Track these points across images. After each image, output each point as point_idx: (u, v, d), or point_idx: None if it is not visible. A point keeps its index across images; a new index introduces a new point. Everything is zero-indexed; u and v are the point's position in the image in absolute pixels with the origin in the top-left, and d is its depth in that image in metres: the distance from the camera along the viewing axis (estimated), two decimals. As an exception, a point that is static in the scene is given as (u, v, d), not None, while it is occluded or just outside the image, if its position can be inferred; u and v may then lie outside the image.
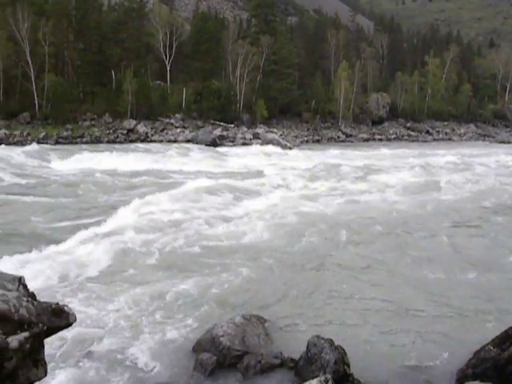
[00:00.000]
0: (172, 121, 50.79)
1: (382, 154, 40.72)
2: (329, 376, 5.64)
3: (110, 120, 49.31)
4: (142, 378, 6.39)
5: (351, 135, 61.19)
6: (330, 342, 6.60)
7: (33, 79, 48.10)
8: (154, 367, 6.71)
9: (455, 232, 14.09)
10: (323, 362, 6.33)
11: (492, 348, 6.58)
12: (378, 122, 68.79)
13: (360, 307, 8.92)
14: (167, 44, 57.77)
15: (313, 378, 5.57)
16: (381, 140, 61.40)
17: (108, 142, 44.28)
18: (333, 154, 38.97)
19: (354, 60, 72.86)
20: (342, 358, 6.40)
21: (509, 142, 65.06)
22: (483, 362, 6.49)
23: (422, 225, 14.78)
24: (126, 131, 46.75)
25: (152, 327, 7.76)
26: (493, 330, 7.26)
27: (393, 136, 65.03)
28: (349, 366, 6.42)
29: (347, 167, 27.37)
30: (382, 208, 17.00)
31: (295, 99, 61.28)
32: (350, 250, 12.35)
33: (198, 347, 7.13)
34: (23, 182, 20.94)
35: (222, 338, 7.02)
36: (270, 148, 42.30)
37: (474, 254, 12.14)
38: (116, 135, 46.29)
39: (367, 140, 60.25)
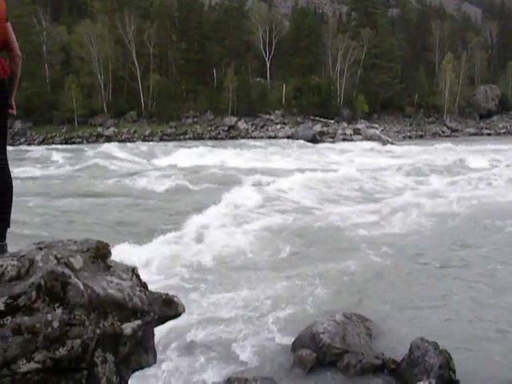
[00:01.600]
0: (272, 117, 51.08)
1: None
2: (433, 381, 5.51)
3: (212, 117, 50.49)
4: (241, 372, 6.29)
5: (457, 130, 58.42)
6: (435, 345, 6.26)
7: (139, 79, 50.39)
8: (253, 361, 6.64)
9: None
10: (427, 366, 6.05)
11: None
12: (486, 115, 65.13)
13: (472, 312, 8.29)
14: (267, 41, 58.23)
15: (416, 382, 5.46)
16: (489, 135, 57.99)
17: (210, 138, 45.39)
18: (443, 147, 36.98)
19: (459, 51, 69.61)
20: (447, 363, 6.08)
21: None
22: None
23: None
24: (227, 128, 47.65)
25: (252, 322, 7.67)
26: None
27: (503, 130, 61.21)
28: (454, 371, 6.06)
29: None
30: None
31: (397, 93, 59.52)
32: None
33: (298, 343, 6.98)
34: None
35: (322, 335, 6.83)
36: (371, 144, 41.21)
37: None
38: (217, 132, 47.33)
39: (474, 134, 57.12)
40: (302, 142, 41.68)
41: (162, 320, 3.42)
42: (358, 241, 11.95)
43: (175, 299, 3.50)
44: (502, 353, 6.94)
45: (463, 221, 13.84)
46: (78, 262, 2.97)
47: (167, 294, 3.50)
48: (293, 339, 7.07)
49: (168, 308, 3.43)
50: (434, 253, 11.25)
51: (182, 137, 45.97)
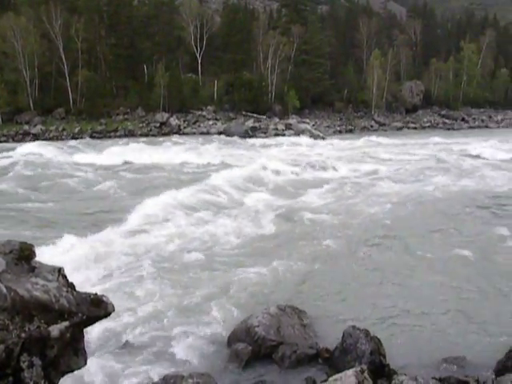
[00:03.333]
0: (204, 113, 51.00)
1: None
2: (364, 366, 5.63)
3: (143, 113, 49.83)
4: (177, 369, 6.34)
5: (384, 124, 60.39)
6: (366, 332, 6.55)
7: (67, 75, 48.98)
8: (189, 358, 6.71)
9: None
10: (359, 353, 6.31)
11: None
12: (411, 110, 67.84)
13: (398, 298, 8.77)
14: (198, 37, 58.00)
15: (348, 369, 5.55)
16: (415, 128, 60.45)
17: (141, 135, 44.76)
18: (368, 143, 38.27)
19: (386, 48, 71.87)
20: (377, 349, 6.35)
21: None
22: None
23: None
24: (158, 124, 47.16)
25: (187, 318, 7.75)
26: None
27: (427, 124, 63.89)
28: (385, 356, 6.37)
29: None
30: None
31: (327, 89, 60.83)
32: (396, 241, 12.03)
33: (233, 338, 7.14)
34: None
35: (257, 329, 7.00)
36: (303, 139, 41.94)
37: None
38: (149, 128, 46.74)
39: (401, 128, 59.36)
40: (234, 138, 41.93)
41: (92, 320, 3.37)
42: (291, 234, 12.38)
43: (104, 299, 3.46)
44: (429, 336, 7.46)
45: (385, 213, 14.49)
46: (0, 264, 2.92)
47: (96, 294, 3.46)
48: (228, 334, 7.22)
49: (97, 308, 3.37)
50: (366, 242, 11.79)
51: (112, 134, 45.04)
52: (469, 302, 8.64)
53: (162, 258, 10.33)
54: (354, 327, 6.63)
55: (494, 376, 6.12)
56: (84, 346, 3.39)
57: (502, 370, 6.28)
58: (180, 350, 6.84)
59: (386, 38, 78.00)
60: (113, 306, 3.51)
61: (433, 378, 5.85)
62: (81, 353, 3.31)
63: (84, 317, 3.22)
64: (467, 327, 7.76)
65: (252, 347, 6.79)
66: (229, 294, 8.65)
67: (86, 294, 3.36)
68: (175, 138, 40.86)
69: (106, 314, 3.48)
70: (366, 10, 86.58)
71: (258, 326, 7.02)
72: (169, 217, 13.15)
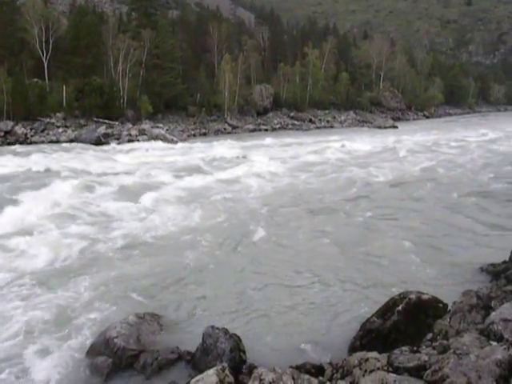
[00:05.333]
0: (53, 120, 48.97)
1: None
2: (225, 364, 5.86)
3: (-15, 122, 46.68)
4: None
5: (237, 127, 62.33)
6: (225, 330, 6.76)
7: None
8: (49, 376, 6.51)
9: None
10: (219, 351, 6.48)
11: (376, 319, 7.15)
12: (262, 112, 70.49)
13: (251, 291, 9.22)
14: (43, 39, 55.44)
15: (209, 368, 5.69)
16: (266, 130, 63.12)
17: (-17, 145, 41.93)
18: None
19: (236, 53, 74.03)
20: (237, 346, 6.60)
21: (385, 127, 69.13)
22: (369, 333, 7.04)
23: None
24: (3, 133, 44.50)
25: (45, 335, 7.52)
26: (378, 301, 7.81)
27: (277, 126, 67.07)
28: (244, 352, 6.65)
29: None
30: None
31: (180, 93, 61.29)
32: (241, 235, 12.82)
33: (93, 351, 7.01)
34: None
35: (116, 340, 6.94)
36: (157, 143, 42.26)
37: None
38: (-8, 137, 43.94)
39: (253, 131, 61.71)
40: (86, 145, 41.02)
41: None
42: (149, 239, 12.54)
43: None
44: (284, 324, 7.95)
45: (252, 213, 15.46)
46: None
47: None
48: (87, 348, 7.07)
49: None
50: (218, 246, 12.10)
51: (-49, 144, 41.83)
52: (320, 291, 9.26)
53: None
54: (213, 327, 6.80)
55: (346, 356, 6.43)
56: None
57: (352, 349, 6.91)
58: (39, 368, 6.60)
59: (236, 43, 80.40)
60: None
61: (290, 366, 6.11)
62: None
63: None
64: (322, 315, 8.27)
65: (112, 359, 6.72)
66: (83, 304, 8.52)
67: None
68: (20, 148, 38.65)
69: None
70: (216, 15, 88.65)
71: (117, 337, 6.95)
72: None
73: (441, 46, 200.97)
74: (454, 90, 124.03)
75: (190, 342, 7.16)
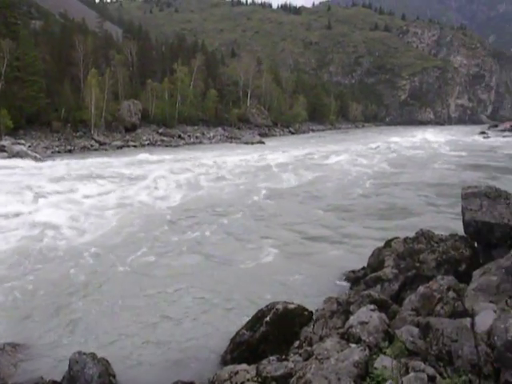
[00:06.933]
0: None
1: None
2: None
3: None
4: None
5: (105, 143, 61.09)
6: (93, 355, 6.59)
7: None
8: None
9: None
10: (87, 378, 6.30)
11: (245, 332, 7.32)
12: (131, 128, 69.89)
13: (121, 312, 9.13)
14: None
15: None
16: (135, 146, 62.49)
17: None
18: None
19: (103, 67, 72.84)
20: (106, 370, 6.46)
21: (252, 143, 71.49)
22: (239, 346, 7.20)
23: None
24: None
25: None
26: (250, 313, 7.95)
27: (146, 142, 66.74)
28: (114, 376, 6.57)
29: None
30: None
31: (43, 108, 58.81)
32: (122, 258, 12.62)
33: None
34: None
35: None
36: (18, 161, 40.37)
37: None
38: None
39: (121, 147, 60.75)
40: None
41: None
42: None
43: None
44: (157, 343, 7.89)
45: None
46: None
47: None
48: None
49: None
50: (90, 266, 11.96)
51: None
52: (193, 307, 9.35)
53: None
54: (79, 353, 6.57)
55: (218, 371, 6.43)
56: None
57: (223, 364, 7.03)
58: None
59: (103, 58, 78.84)
60: None
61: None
62: None
63: None
64: (194, 331, 8.33)
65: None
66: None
67: None
68: None
69: None
70: (81, 27, 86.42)
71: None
72: None
73: (304, 65, 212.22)
74: (316, 107, 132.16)
75: (56, 371, 6.85)
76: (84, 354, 6.53)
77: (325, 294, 8.24)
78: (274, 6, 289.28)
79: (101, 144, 60.25)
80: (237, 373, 5.84)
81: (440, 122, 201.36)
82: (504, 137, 77.50)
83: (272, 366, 5.77)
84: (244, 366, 6.07)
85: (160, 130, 73.88)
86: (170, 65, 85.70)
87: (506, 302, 5.76)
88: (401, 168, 32.56)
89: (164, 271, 11.60)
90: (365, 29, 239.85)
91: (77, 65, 69.56)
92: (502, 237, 8.24)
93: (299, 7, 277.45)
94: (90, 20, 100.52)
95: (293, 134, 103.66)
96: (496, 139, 70.56)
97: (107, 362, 6.58)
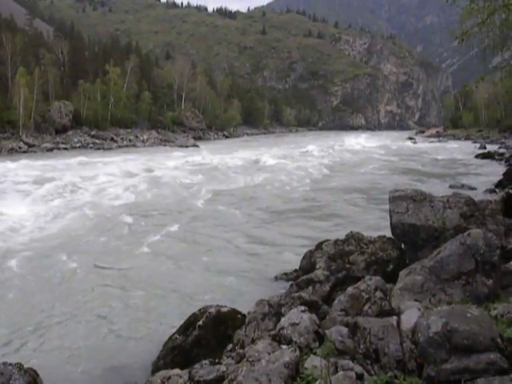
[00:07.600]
0: None
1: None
2: None
3: None
4: None
5: (34, 145, 59.06)
6: (20, 366, 6.21)
7: None
8: None
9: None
10: None
11: (178, 336, 7.21)
12: (62, 130, 68.11)
13: (51, 319, 8.84)
14: None
15: None
16: (66, 149, 60.81)
17: None
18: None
19: (33, 66, 70.58)
20: (34, 381, 6.13)
21: (186, 146, 71.16)
22: (172, 351, 7.08)
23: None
24: None
25: None
26: (183, 318, 7.77)
27: (78, 144, 65.07)
28: None
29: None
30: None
31: (-32, 108, 56.81)
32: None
33: None
34: None
35: None
36: None
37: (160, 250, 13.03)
38: None
39: (51, 150, 58.97)
40: None
41: None
42: None
43: None
44: (89, 350, 7.67)
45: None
46: None
47: None
48: None
49: None
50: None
51: None
52: (124, 313, 9.12)
53: None
54: (5, 363, 6.16)
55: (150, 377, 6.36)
56: None
57: (155, 370, 6.87)
58: None
59: (32, 56, 76.16)
60: None
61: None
62: None
63: None
64: (126, 338, 8.12)
65: None
66: None
67: None
68: None
69: None
70: (9, 24, 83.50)
71: None
72: None
73: (239, 70, 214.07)
74: (251, 111, 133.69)
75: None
76: (10, 364, 6.14)
77: (259, 297, 8.24)
78: (210, 9, 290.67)
79: (30, 146, 58.27)
80: (169, 378, 5.86)
81: (370, 127, 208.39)
82: (430, 142, 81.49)
83: (204, 369, 5.80)
84: (177, 370, 6.08)
85: (92, 133, 72.34)
86: (102, 66, 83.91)
87: (430, 300, 6.18)
88: (334, 172, 33.51)
89: (95, 277, 11.37)
90: (299, 35, 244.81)
91: (4, 63, 67.18)
92: (427, 238, 8.80)
93: (234, 12, 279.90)
94: (19, 17, 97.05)
95: (227, 137, 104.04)
96: (423, 144, 73.73)
97: (35, 371, 6.24)
